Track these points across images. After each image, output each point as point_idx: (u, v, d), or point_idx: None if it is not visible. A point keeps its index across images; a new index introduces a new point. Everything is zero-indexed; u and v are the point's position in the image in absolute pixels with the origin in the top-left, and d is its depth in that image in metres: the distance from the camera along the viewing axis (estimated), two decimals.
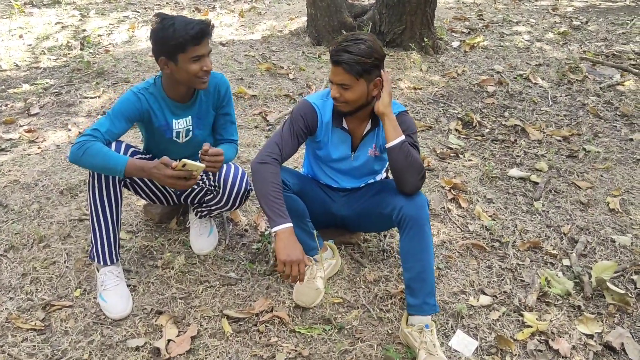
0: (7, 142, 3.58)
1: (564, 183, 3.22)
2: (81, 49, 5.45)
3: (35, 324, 2.18)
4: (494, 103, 4.26)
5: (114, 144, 2.19)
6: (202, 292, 2.36)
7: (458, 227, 2.81)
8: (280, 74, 4.62)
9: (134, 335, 2.14)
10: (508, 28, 6.09)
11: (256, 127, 3.80)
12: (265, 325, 2.20)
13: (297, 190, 2.26)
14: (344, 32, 5.28)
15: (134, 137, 3.59)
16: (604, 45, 5.52)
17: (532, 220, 2.88)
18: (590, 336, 2.21)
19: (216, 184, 2.40)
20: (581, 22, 6.35)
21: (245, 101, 4.14)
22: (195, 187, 2.50)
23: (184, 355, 2.05)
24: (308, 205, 2.33)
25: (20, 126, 3.80)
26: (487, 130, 3.88)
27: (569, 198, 3.07)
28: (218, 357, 2.06)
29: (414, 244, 2.11)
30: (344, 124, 2.23)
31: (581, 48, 5.42)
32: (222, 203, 2.42)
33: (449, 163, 3.41)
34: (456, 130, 3.85)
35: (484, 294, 2.41)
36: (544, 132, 3.80)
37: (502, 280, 2.49)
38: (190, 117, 2.35)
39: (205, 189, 2.48)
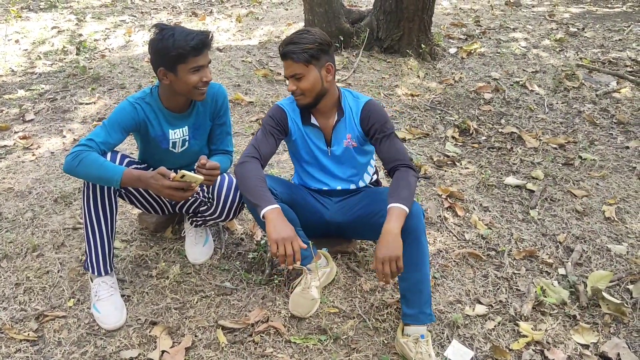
0: (1, 149, 3.57)
1: (560, 191, 3.22)
2: (77, 54, 5.45)
3: (29, 334, 2.16)
4: (490, 110, 4.26)
5: (109, 154, 2.18)
6: (197, 302, 2.35)
7: (454, 235, 2.80)
8: (277, 80, 4.62)
9: (127, 347, 2.12)
10: (505, 34, 6.10)
11: (252, 134, 3.79)
12: (261, 336, 2.19)
13: (286, 199, 2.26)
14: (342, 39, 5.29)
15: (129, 144, 3.57)
16: (600, 52, 5.54)
17: (527, 229, 2.88)
18: (586, 346, 2.20)
19: (210, 195, 2.39)
20: (578, 29, 6.37)
21: (242, 108, 4.14)
22: (190, 197, 2.50)
23: None
24: (300, 214, 2.32)
25: (15, 132, 3.78)
26: (483, 137, 3.88)
27: (564, 206, 3.07)
28: None
29: (410, 255, 2.10)
30: (313, 120, 2.30)
31: (577, 55, 5.44)
32: (216, 214, 2.41)
33: (445, 171, 3.40)
34: (453, 137, 3.85)
35: (480, 303, 2.40)
36: (540, 140, 3.81)
37: (498, 289, 2.48)
38: (186, 127, 2.34)
39: (200, 199, 2.47)
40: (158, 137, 2.30)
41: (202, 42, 2.07)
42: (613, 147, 3.74)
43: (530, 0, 8.04)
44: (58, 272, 2.49)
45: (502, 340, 2.21)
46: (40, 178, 3.18)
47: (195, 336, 2.19)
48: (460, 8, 7.41)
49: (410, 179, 2.10)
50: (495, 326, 2.28)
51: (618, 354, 2.14)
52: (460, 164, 3.51)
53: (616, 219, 2.95)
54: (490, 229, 2.85)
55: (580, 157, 3.59)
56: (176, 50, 2.03)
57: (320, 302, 2.35)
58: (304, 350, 2.13)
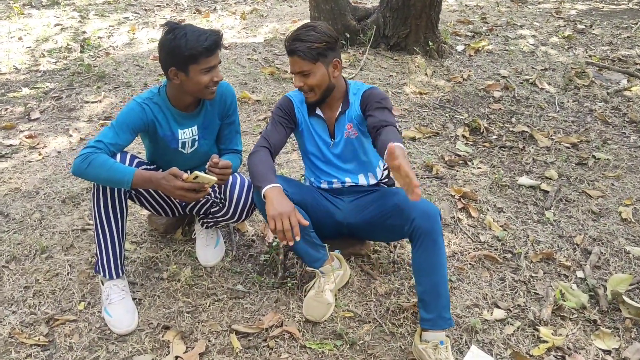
0: (7, 148, 3.52)
1: (575, 192, 3.17)
2: (81, 52, 5.39)
3: (39, 339, 2.12)
4: (500, 109, 4.21)
5: (118, 155, 2.14)
6: (209, 306, 2.31)
7: (469, 237, 2.76)
8: (284, 78, 4.56)
9: (140, 352, 2.08)
10: (512, 32, 6.04)
11: (260, 132, 3.74)
12: (275, 341, 2.15)
13: (298, 200, 2.20)
14: (348, 36, 5.23)
15: (135, 144, 3.53)
16: (609, 49, 5.48)
17: (543, 231, 2.83)
18: (608, 352, 2.16)
19: (221, 196, 2.35)
20: (585, 26, 6.31)
21: (250, 106, 4.08)
22: (201, 198, 2.45)
23: None
24: (312, 215, 2.28)
25: (21, 131, 3.73)
26: (494, 136, 3.83)
27: (580, 207, 3.02)
28: None
29: (427, 257, 2.06)
30: (318, 112, 2.29)
31: (586, 52, 5.38)
32: (228, 215, 2.37)
33: (457, 171, 3.35)
34: (463, 136, 3.80)
35: (498, 307, 2.36)
36: (553, 139, 3.76)
37: (516, 293, 2.44)
38: (195, 127, 2.30)
39: (211, 200, 2.43)
40: (167, 137, 2.26)
41: (215, 42, 2.04)
42: (626, 146, 3.69)
43: None
44: (67, 274, 2.45)
45: (522, 346, 2.17)
46: (47, 178, 3.13)
47: (209, 341, 2.14)
48: (466, 5, 7.34)
49: (397, 133, 2.02)
50: (514, 331, 2.23)
51: None
52: (472, 164, 3.46)
53: (633, 220, 2.90)
54: (506, 230, 2.81)
55: (593, 156, 3.54)
56: (189, 50, 2.00)
57: (335, 306, 2.30)
58: (320, 356, 2.09)
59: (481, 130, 3.87)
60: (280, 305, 2.32)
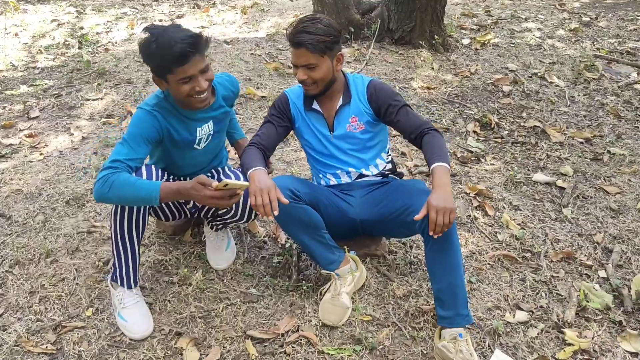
0: (7, 147, 3.42)
1: (592, 188, 3.09)
2: (79, 48, 5.28)
3: (47, 347, 2.04)
4: (510, 103, 4.13)
5: (143, 168, 2.03)
6: (222, 311, 2.23)
7: (486, 236, 2.68)
8: (288, 74, 4.47)
9: (152, 359, 2.00)
10: (517, 24, 5.96)
11: None
12: (292, 347, 2.07)
13: (309, 200, 2.14)
14: (352, 30, 5.14)
15: None
16: (616, 42, 5.40)
17: (562, 229, 2.76)
18: (635, 354, 2.09)
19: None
20: (591, 18, 6.23)
21: (255, 102, 3.99)
22: None
23: None
24: (325, 214, 2.20)
25: (20, 130, 3.63)
26: (506, 132, 3.75)
27: (598, 204, 2.95)
28: None
29: (442, 256, 2.00)
30: (315, 106, 2.25)
31: (594, 45, 5.30)
32: (237, 216, 2.28)
33: (470, 167, 3.28)
34: (474, 132, 3.72)
35: (520, 309, 2.28)
36: (565, 134, 3.68)
37: (537, 294, 2.36)
38: (211, 122, 2.21)
39: None
40: (185, 140, 2.15)
41: (184, 51, 1.85)
42: None
43: None
44: (74, 279, 2.36)
45: (547, 349, 2.09)
46: (50, 179, 3.03)
47: (223, 347, 2.06)
48: None
49: (440, 140, 2.06)
50: (538, 334, 2.16)
51: None
52: (485, 160, 3.38)
53: None
54: (524, 229, 2.73)
55: (608, 151, 3.46)
56: (161, 60, 1.87)
57: (352, 310, 2.22)
58: None
59: (492, 126, 3.79)
60: (295, 309, 2.24)
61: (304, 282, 2.36)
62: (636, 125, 3.82)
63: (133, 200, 1.90)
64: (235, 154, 2.78)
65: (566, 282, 2.42)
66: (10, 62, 4.91)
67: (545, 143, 3.60)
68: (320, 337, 2.12)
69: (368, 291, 2.34)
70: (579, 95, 4.25)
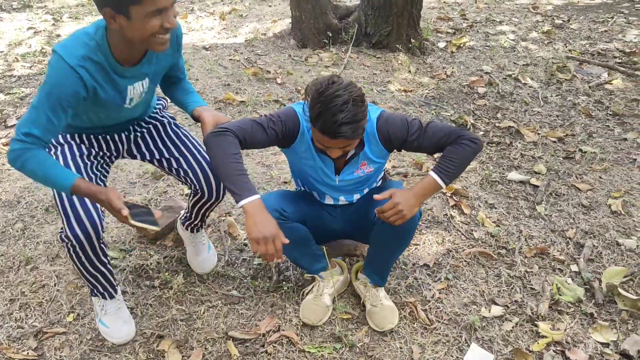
0: None
1: (564, 185, 3.18)
2: None
3: (28, 353, 2.05)
4: (485, 104, 4.22)
5: (60, 152, 1.91)
6: (204, 313, 2.25)
7: (462, 234, 2.74)
8: (267, 79, 4.50)
9: None
10: (492, 28, 6.07)
11: None
12: (273, 346, 2.11)
13: (299, 218, 2.11)
14: (330, 35, 5.20)
15: None
16: (588, 43, 5.54)
17: (536, 225, 2.83)
18: (606, 344, 2.16)
19: (193, 183, 2.12)
20: (563, 21, 6.37)
21: (234, 107, 4.02)
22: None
23: None
24: (311, 226, 2.18)
25: None
26: (481, 132, 3.83)
27: (570, 201, 3.03)
28: None
29: (393, 245, 2.13)
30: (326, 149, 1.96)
31: (566, 47, 5.43)
32: (204, 198, 2.16)
33: None
34: None
35: (495, 304, 2.34)
36: (539, 134, 3.77)
37: (512, 289, 2.43)
38: (147, 80, 1.89)
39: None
40: (112, 98, 1.82)
41: None
42: (611, 139, 3.72)
43: None
44: (55, 285, 2.37)
45: (521, 342, 2.16)
46: (28, 186, 3.03)
47: (205, 349, 2.09)
48: (444, 1, 7.36)
49: (459, 152, 1.89)
50: (513, 327, 2.22)
51: (638, 351, 2.10)
52: None
53: (623, 213, 2.92)
54: (499, 226, 2.80)
55: (580, 150, 3.56)
56: None
57: (332, 309, 2.27)
58: None
59: (468, 127, 3.86)
60: (276, 310, 2.28)
61: (284, 282, 2.39)
62: (607, 124, 3.93)
63: (44, 182, 1.73)
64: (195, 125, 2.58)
65: (540, 276, 2.49)
66: None
67: (519, 143, 3.68)
68: (301, 336, 2.16)
69: (348, 291, 2.39)
70: (551, 96, 4.36)
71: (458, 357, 2.09)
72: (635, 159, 3.43)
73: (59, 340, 2.11)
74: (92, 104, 1.79)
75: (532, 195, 3.10)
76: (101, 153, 2.07)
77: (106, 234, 2.64)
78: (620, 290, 2.35)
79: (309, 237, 2.17)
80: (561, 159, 3.48)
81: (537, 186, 3.16)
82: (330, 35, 5.24)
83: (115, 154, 2.13)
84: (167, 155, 2.14)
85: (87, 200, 1.83)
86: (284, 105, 4.06)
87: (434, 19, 6.36)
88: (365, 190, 2.23)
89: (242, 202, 1.76)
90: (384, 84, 4.51)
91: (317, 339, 2.15)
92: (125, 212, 1.67)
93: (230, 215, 2.82)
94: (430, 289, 2.40)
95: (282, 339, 2.14)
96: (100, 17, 1.65)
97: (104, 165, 2.09)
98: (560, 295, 2.38)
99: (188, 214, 2.36)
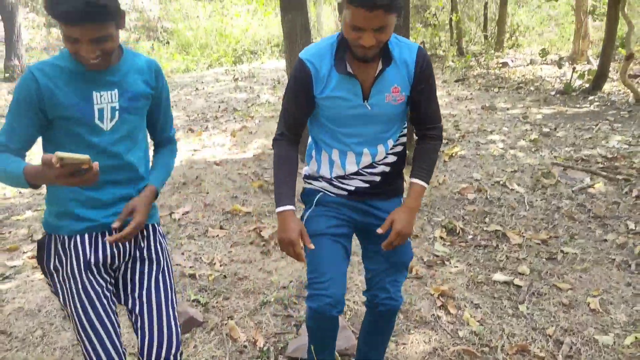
0: (10, 269, 3.72)
1: (546, 285, 3.38)
2: None
3: None
4: (474, 210, 4.51)
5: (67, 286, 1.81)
6: None
7: (448, 333, 2.93)
8: (271, 190, 4.89)
9: None
10: (483, 137, 6.53)
11: (251, 243, 3.99)
12: None
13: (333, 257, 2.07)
14: None
15: None
16: (572, 150, 5.92)
17: (518, 324, 3.01)
18: None
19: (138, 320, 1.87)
20: (550, 129, 6.82)
21: (240, 218, 4.37)
22: None
23: None
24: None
25: (24, 252, 3.95)
26: (470, 236, 4.09)
27: (551, 300, 3.22)
28: None
29: (378, 346, 2.39)
30: (349, 69, 1.90)
31: (552, 153, 5.81)
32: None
33: (436, 270, 3.58)
34: (441, 237, 4.06)
35: None
36: (524, 236, 4.02)
37: None
38: (116, 91, 1.81)
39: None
40: (77, 106, 1.74)
41: (70, 14, 1.55)
42: (592, 240, 3.96)
43: (505, 104, 8.62)
44: None
45: None
46: (49, 296, 3.31)
47: None
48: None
49: (436, 154, 2.07)
50: None
51: None
52: (450, 263, 3.69)
53: (601, 310, 3.10)
54: (483, 325, 2.99)
55: (562, 251, 3.79)
56: (50, 8, 1.58)
57: None
58: None
59: (457, 231, 4.14)
60: None
61: None
62: (588, 226, 4.18)
63: (6, 183, 1.69)
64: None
65: None
66: (18, 190, 5.33)
67: (505, 245, 3.93)
68: None
69: None
70: (537, 200, 4.66)
71: None
72: (614, 259, 3.65)
73: None
74: (60, 117, 1.74)
75: (515, 295, 3.30)
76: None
77: None
78: None
79: (334, 337, 2.23)
80: (544, 259, 3.71)
81: (520, 286, 3.37)
82: None
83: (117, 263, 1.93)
84: (137, 311, 1.90)
85: (104, 336, 1.79)
86: None
87: None
88: (390, 144, 2.06)
89: (277, 210, 1.98)
90: None
91: None
92: (54, 158, 1.46)
93: (232, 319, 3.04)
94: None
95: None
96: None
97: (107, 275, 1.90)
98: None
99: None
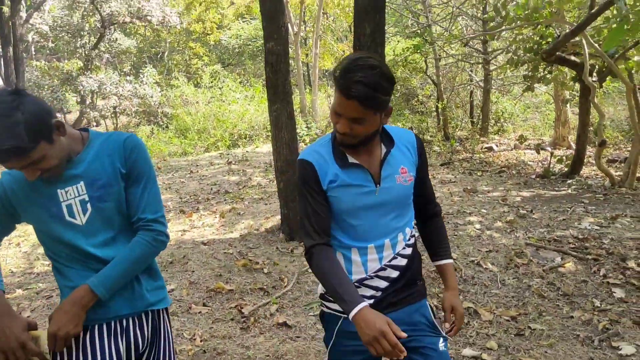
0: None
1: None
2: None
3: None
4: None
5: None
6: None
7: None
8: (255, 269, 5.08)
9: None
10: (462, 218, 6.80)
11: (232, 319, 4.13)
12: None
13: None
14: None
15: None
16: (546, 231, 6.18)
17: None
18: None
19: None
20: (527, 211, 7.12)
21: (223, 295, 4.53)
22: None
23: None
24: None
25: None
26: (442, 313, 4.25)
27: None
28: None
29: None
30: (352, 160, 1.88)
31: (526, 234, 6.07)
32: None
33: None
34: None
35: None
36: (494, 313, 4.19)
37: None
38: (82, 183, 1.78)
39: None
40: (42, 207, 1.77)
41: None
42: (559, 317, 4.13)
43: (486, 187, 8.99)
44: None
45: None
46: None
47: None
48: None
49: (444, 230, 2.21)
50: None
51: None
52: None
53: None
54: None
55: (529, 327, 3.95)
56: None
57: None
58: None
59: (432, 310, 4.29)
60: None
61: None
62: (557, 303, 4.36)
63: None
64: None
65: None
66: (10, 270, 5.51)
67: (476, 322, 4.09)
68: None
69: None
70: (509, 279, 4.86)
71: None
72: (579, 335, 3.80)
73: None
74: (30, 219, 1.80)
75: None
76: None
77: None
78: None
79: None
80: (512, 335, 3.86)
81: None
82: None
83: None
84: None
85: None
86: (268, 293, 4.58)
87: None
88: (408, 233, 2.01)
89: (350, 315, 1.75)
90: None
91: None
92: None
93: None
94: None
95: None
96: None
97: None
98: None
99: None
